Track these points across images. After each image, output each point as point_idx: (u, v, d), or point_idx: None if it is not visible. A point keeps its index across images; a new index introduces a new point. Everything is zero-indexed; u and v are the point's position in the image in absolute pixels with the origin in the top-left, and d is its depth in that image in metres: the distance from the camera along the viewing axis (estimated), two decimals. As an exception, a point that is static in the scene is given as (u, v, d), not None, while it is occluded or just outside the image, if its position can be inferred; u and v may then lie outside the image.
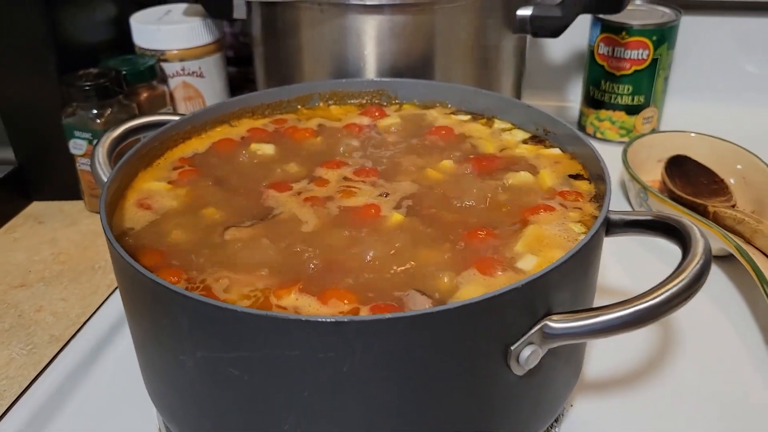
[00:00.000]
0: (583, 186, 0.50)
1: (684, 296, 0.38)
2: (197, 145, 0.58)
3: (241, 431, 0.40)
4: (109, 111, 0.72)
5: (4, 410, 0.51)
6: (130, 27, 0.82)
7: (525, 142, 0.57)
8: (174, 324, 0.38)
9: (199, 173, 0.54)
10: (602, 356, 0.56)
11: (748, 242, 0.63)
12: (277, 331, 0.35)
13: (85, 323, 0.60)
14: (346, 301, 0.39)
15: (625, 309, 0.38)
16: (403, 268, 0.42)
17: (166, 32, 0.79)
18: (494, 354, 0.38)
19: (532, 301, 0.38)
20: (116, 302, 0.62)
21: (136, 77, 0.76)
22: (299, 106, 0.64)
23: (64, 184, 0.79)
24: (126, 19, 0.83)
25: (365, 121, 0.62)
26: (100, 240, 0.73)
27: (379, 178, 0.52)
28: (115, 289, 0.64)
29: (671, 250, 0.42)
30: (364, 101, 0.65)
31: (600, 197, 0.48)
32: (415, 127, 0.60)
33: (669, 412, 0.52)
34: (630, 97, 0.90)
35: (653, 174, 0.80)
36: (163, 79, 0.81)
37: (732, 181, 0.75)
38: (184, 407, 0.43)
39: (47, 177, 0.80)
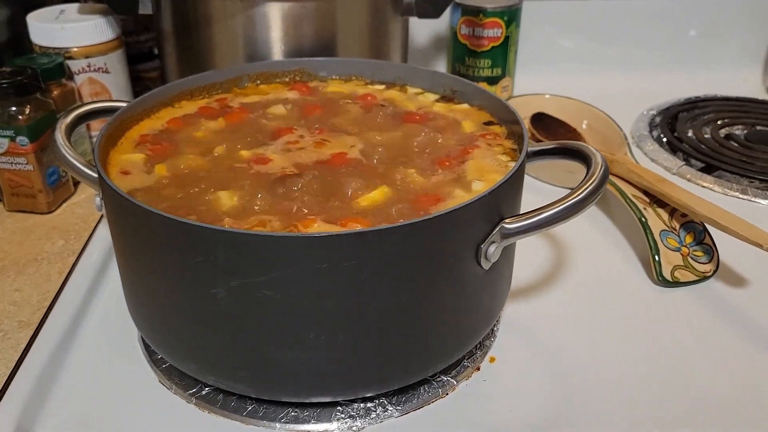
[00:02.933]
0: (497, 129, 0.62)
1: (596, 194, 0.51)
2: (150, 125, 0.63)
3: (269, 348, 0.48)
4: (28, 107, 0.73)
5: None
6: (27, 27, 0.82)
7: (438, 101, 0.69)
8: (208, 259, 0.45)
9: (167, 147, 0.59)
10: (520, 273, 0.69)
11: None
12: (311, 247, 0.43)
13: (52, 304, 0.62)
14: (358, 226, 0.48)
15: (554, 207, 0.50)
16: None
17: (71, 30, 0.81)
18: (468, 250, 0.49)
19: (491, 209, 0.49)
20: (78, 285, 0.65)
21: (49, 74, 0.77)
22: (233, 87, 0.71)
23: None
24: (18, 20, 0.83)
25: (295, 95, 0.70)
26: (33, 236, 0.74)
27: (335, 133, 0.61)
28: (70, 273, 0.67)
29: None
30: (288, 80, 0.73)
31: (513, 135, 0.61)
32: (341, 97, 0.69)
33: (567, 309, 0.65)
34: (490, 70, 1.05)
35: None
36: (70, 76, 0.82)
37: (583, 127, 0.92)
38: (204, 347, 0.50)
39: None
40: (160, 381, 0.56)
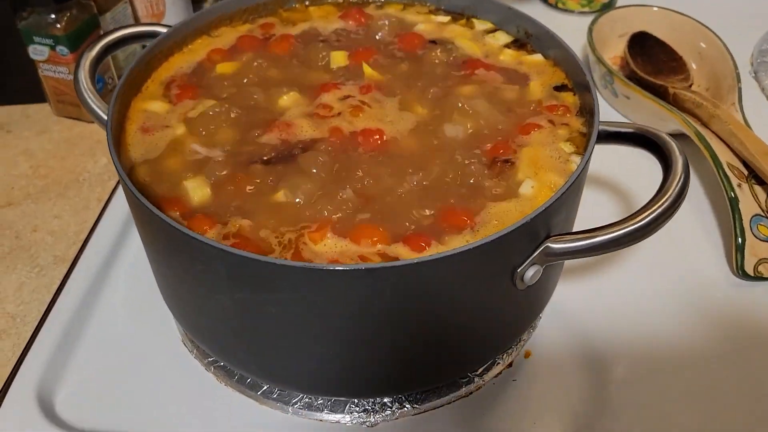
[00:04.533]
0: (569, 98, 0.53)
1: (668, 214, 0.43)
2: (180, 61, 0.57)
3: (273, 353, 0.45)
4: (68, 14, 0.68)
5: (30, 335, 0.54)
6: None
7: (507, 46, 0.58)
8: (211, 271, 0.41)
9: (197, 93, 0.54)
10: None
11: (705, 125, 0.68)
12: (315, 279, 0.38)
13: (86, 242, 0.61)
14: (375, 238, 0.42)
15: (615, 231, 0.42)
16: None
17: None
18: (503, 277, 0.43)
19: (536, 229, 0.42)
20: (112, 217, 0.64)
21: (89, -29, 0.71)
22: (278, 9, 0.63)
23: (23, 88, 0.76)
24: None
25: (350, 25, 0.61)
26: (76, 149, 0.72)
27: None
28: (108, 202, 0.65)
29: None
30: (341, 1, 0.64)
31: (585, 110, 0.51)
32: (397, 33, 0.60)
33: (626, 296, 0.59)
34: (590, -35, 0.90)
35: (615, 50, 0.83)
36: (116, -32, 0.76)
37: (691, 59, 0.78)
38: (215, 333, 0.48)
39: (4, 81, 0.76)
40: (182, 341, 0.56)
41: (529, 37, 0.58)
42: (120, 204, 0.65)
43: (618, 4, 0.94)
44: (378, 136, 0.49)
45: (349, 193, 0.45)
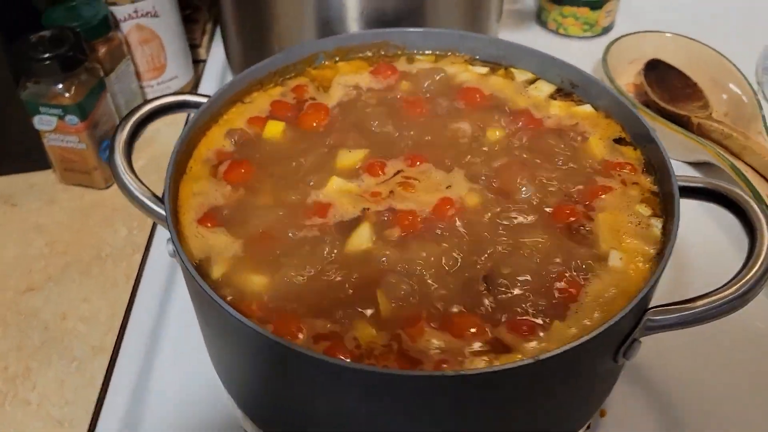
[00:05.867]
0: (630, 153, 0.52)
1: (765, 280, 0.42)
2: (220, 134, 0.54)
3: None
4: (77, 81, 0.64)
5: (83, 440, 0.51)
6: (63, -34, 0.71)
7: (553, 97, 0.57)
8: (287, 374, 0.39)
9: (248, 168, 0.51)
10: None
11: (736, 156, 0.69)
12: (429, 385, 0.36)
13: (123, 329, 0.58)
14: (473, 330, 0.40)
15: (715, 301, 0.41)
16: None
17: (115, -28, 0.69)
18: (607, 358, 0.42)
19: (638, 310, 0.41)
20: (146, 297, 0.60)
21: (92, 33, 0.67)
22: (306, 68, 0.60)
23: (23, 155, 0.72)
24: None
25: (381, 84, 0.59)
26: (90, 220, 0.68)
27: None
28: (138, 281, 0.62)
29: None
30: (370, 54, 0.61)
31: (650, 166, 0.50)
32: (442, 87, 0.58)
33: (685, 339, 0.58)
34: (592, -12, 0.90)
35: (625, 77, 0.83)
36: (115, 25, 0.72)
37: (705, 86, 0.79)
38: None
39: (5, 150, 0.71)
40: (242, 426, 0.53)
41: (575, 87, 0.57)
42: (152, 281, 0.62)
43: (615, 28, 0.94)
44: (450, 208, 0.47)
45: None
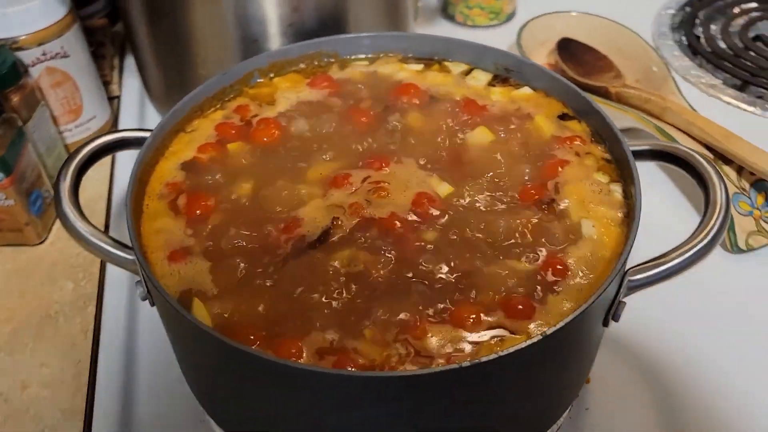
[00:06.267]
0: (576, 126, 0.54)
1: (725, 223, 0.45)
2: (169, 167, 0.52)
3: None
4: (-5, 134, 0.60)
5: None
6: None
7: (491, 84, 0.59)
8: (319, 397, 0.38)
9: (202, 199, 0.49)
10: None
11: (658, 118, 0.73)
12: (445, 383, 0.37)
13: (92, 387, 0.55)
14: (473, 317, 0.41)
15: (686, 252, 0.43)
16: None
17: (17, 15, 0.65)
18: (599, 323, 0.43)
19: (621, 272, 0.42)
20: (110, 350, 0.57)
21: (2, 83, 0.63)
22: (243, 88, 0.59)
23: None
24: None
25: (321, 94, 0.58)
26: (31, 280, 0.64)
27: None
28: (97, 333, 0.59)
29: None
30: (304, 66, 0.61)
31: (598, 135, 0.53)
32: (379, 88, 0.59)
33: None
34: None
35: (540, 57, 0.86)
36: (24, 70, 0.68)
37: (614, 57, 0.83)
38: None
39: None
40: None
41: (510, 72, 0.59)
42: (113, 330, 0.58)
43: (518, 14, 0.98)
44: (428, 202, 0.47)
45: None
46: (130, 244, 0.45)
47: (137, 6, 0.66)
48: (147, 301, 0.47)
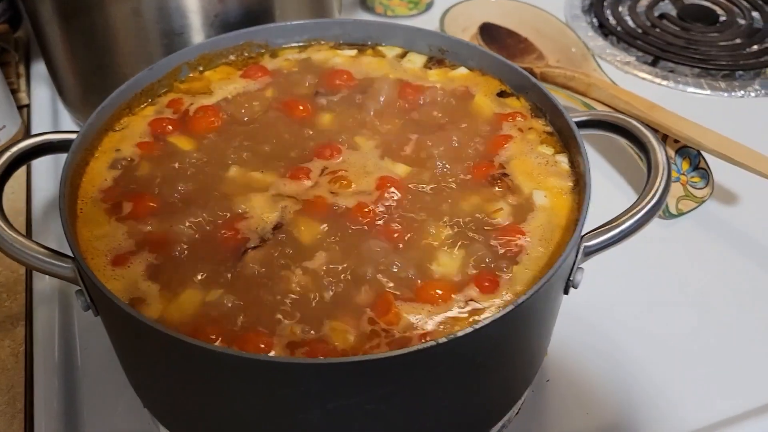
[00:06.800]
0: (515, 103, 0.55)
1: (669, 184, 0.46)
2: (101, 168, 0.49)
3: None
4: None
5: None
6: None
7: (427, 66, 0.59)
8: (300, 390, 0.36)
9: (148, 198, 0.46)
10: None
11: (583, 95, 0.75)
12: (424, 361, 0.36)
13: (30, 411, 0.51)
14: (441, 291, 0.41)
15: (636, 214, 0.45)
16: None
17: None
18: (560, 291, 0.44)
19: (575, 243, 0.43)
20: (45, 375, 0.53)
21: None
22: (173, 82, 0.56)
23: None
24: None
25: (256, 85, 0.57)
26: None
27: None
28: (29, 355, 0.54)
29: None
30: (234, 57, 0.59)
31: (538, 110, 0.53)
32: (313, 74, 0.57)
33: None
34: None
35: (462, 44, 0.87)
36: None
37: (534, 39, 0.85)
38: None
39: None
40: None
41: (445, 53, 0.59)
42: (47, 349, 0.54)
43: (435, 3, 0.98)
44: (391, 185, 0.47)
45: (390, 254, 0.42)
46: (67, 253, 0.42)
47: (47, 5, 0.62)
48: (89, 311, 0.44)
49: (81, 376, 0.53)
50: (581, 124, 0.50)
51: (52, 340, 0.55)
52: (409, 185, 0.47)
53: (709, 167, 0.69)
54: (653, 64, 0.87)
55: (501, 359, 0.43)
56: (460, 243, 0.44)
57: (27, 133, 0.75)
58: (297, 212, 0.46)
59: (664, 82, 0.84)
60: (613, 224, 0.45)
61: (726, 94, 0.83)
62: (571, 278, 0.44)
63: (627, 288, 0.61)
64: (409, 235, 0.44)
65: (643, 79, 0.85)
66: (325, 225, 0.45)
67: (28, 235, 0.64)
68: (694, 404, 0.53)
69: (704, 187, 0.69)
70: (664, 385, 0.54)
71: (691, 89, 0.83)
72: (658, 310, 0.60)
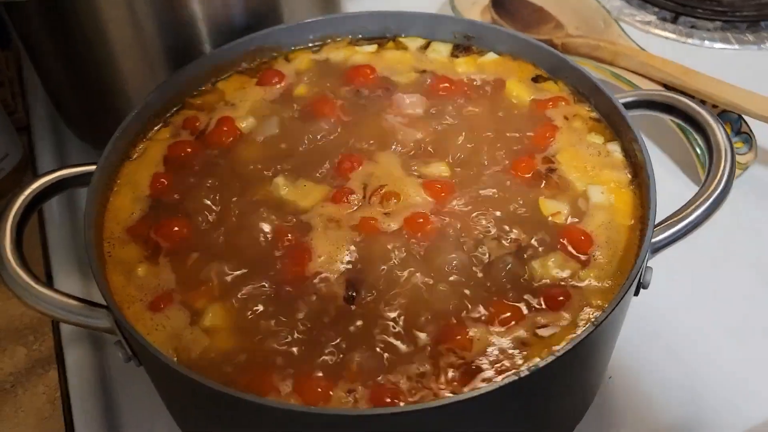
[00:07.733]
0: (553, 87, 0.51)
1: (733, 171, 0.43)
2: (124, 202, 0.46)
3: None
4: None
5: None
6: None
7: (454, 55, 0.55)
8: None
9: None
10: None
11: (611, 65, 0.71)
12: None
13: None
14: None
15: (701, 205, 0.42)
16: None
17: None
18: (631, 295, 0.41)
19: (648, 245, 0.40)
20: (87, 421, 0.50)
21: None
22: (185, 99, 0.52)
23: None
24: None
25: (275, 92, 0.53)
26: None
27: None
28: (66, 399, 0.52)
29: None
30: (246, 65, 0.55)
31: (580, 93, 0.50)
32: (335, 76, 0.54)
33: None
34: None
35: (473, 16, 0.82)
36: None
37: (550, 7, 0.80)
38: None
39: None
40: None
41: (470, 39, 0.55)
42: (86, 393, 0.52)
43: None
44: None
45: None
46: (97, 301, 0.39)
47: (37, 25, 0.57)
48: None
49: (124, 423, 0.50)
50: (628, 106, 0.47)
51: (89, 384, 0.52)
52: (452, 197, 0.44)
53: (751, 131, 0.65)
54: (674, 21, 0.83)
55: (583, 368, 0.40)
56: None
57: (30, 159, 0.71)
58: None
59: (689, 40, 0.80)
60: (680, 216, 0.42)
61: (756, 47, 0.79)
62: (641, 280, 0.41)
63: (681, 275, 0.58)
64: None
65: (666, 38, 0.81)
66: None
67: (49, 282, 0.61)
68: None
69: (747, 152, 0.65)
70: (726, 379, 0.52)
71: (718, 45, 0.79)
72: (715, 293, 0.57)
